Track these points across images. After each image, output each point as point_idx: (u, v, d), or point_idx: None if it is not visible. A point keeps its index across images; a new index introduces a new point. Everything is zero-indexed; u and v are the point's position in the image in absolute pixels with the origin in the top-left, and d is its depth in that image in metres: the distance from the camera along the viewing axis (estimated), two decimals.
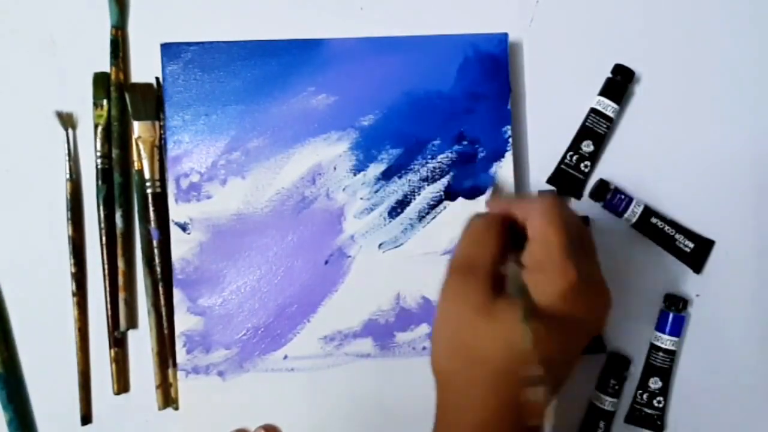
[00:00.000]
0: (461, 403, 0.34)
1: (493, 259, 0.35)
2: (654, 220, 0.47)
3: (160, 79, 0.46)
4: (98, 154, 0.46)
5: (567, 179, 0.48)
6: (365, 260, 0.46)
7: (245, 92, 0.46)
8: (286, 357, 0.45)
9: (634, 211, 0.47)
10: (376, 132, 0.46)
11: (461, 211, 0.46)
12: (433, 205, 0.46)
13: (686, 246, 0.48)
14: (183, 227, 0.45)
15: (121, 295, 0.46)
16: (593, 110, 0.48)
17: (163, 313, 0.45)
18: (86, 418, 0.45)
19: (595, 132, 0.48)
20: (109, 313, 0.46)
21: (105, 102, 0.46)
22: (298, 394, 0.45)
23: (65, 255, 0.46)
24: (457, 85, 0.47)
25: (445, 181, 0.47)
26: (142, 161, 0.46)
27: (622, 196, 0.47)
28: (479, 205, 0.46)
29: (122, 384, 0.46)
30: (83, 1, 0.47)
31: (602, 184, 0.48)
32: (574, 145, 0.48)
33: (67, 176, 0.46)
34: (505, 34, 0.47)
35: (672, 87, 0.50)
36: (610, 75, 0.49)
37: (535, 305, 0.33)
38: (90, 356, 0.46)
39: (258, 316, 0.45)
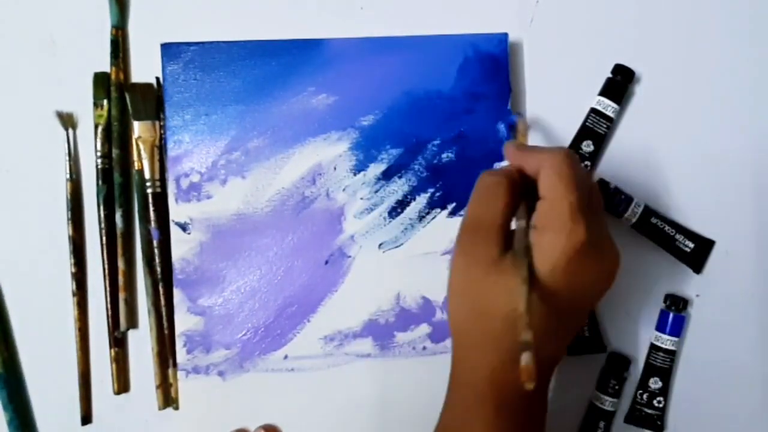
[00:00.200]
0: (470, 356, 0.35)
1: (502, 217, 0.35)
2: (654, 220, 0.47)
3: (160, 79, 0.46)
4: (98, 154, 0.46)
5: None
6: (365, 260, 0.46)
7: (245, 92, 0.46)
8: (286, 357, 0.45)
9: (634, 211, 0.47)
10: (377, 132, 0.46)
11: (461, 211, 0.46)
12: (434, 206, 0.46)
13: (686, 246, 0.48)
14: (183, 227, 0.45)
15: (122, 295, 0.46)
16: (593, 110, 0.48)
17: (164, 313, 0.45)
18: (86, 418, 0.45)
19: (595, 132, 0.48)
20: (109, 313, 0.46)
21: (105, 102, 0.46)
22: (298, 394, 0.45)
23: (65, 255, 0.46)
24: (457, 85, 0.47)
25: (445, 181, 0.47)
26: (143, 161, 0.46)
27: (622, 196, 0.47)
28: None
29: (122, 384, 0.46)
30: (83, 1, 0.47)
31: (602, 184, 0.48)
32: (574, 145, 0.48)
33: (67, 176, 0.46)
34: (505, 34, 0.47)
35: (672, 87, 0.50)
36: (610, 75, 0.48)
37: (533, 272, 0.33)
38: (90, 356, 0.46)
39: (258, 316, 0.45)
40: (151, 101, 0.46)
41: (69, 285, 0.46)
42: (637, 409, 0.48)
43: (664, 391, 0.47)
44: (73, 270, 0.46)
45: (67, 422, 0.45)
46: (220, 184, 0.46)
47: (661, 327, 0.47)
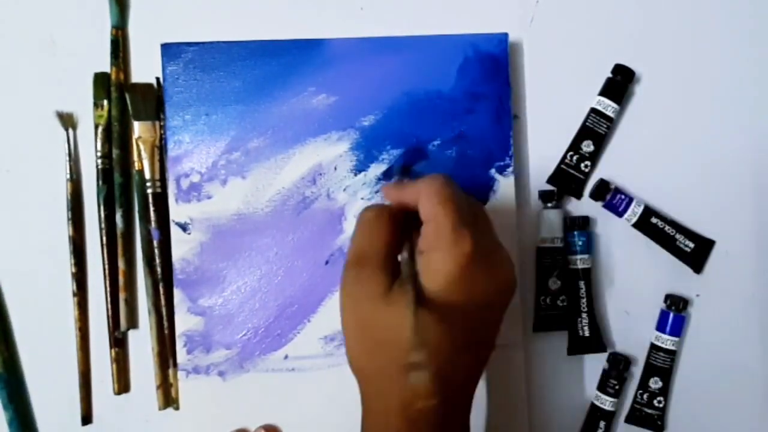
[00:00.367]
0: (372, 391, 0.35)
1: (386, 248, 0.35)
2: (654, 220, 0.47)
3: (161, 79, 0.46)
4: (98, 154, 0.46)
5: (567, 179, 0.48)
6: None
7: (245, 92, 0.46)
8: (286, 357, 0.45)
9: (634, 211, 0.47)
10: (377, 132, 0.46)
11: None
12: None
13: (686, 246, 0.48)
14: (183, 227, 0.45)
15: (122, 295, 0.46)
16: (593, 110, 0.48)
17: (164, 313, 0.45)
18: (86, 418, 0.45)
19: (595, 132, 0.48)
20: (110, 313, 0.46)
21: (105, 102, 0.46)
22: (298, 394, 0.45)
23: (65, 255, 0.46)
24: (457, 85, 0.47)
25: None
26: (143, 161, 0.46)
27: (622, 196, 0.47)
28: None
29: (122, 384, 0.46)
30: (83, 1, 0.47)
31: (602, 184, 0.48)
32: (575, 145, 0.48)
33: (68, 176, 0.46)
34: (505, 34, 0.47)
35: (672, 87, 0.50)
36: (610, 75, 0.49)
37: (422, 291, 0.33)
38: (90, 356, 0.46)
39: (258, 316, 0.45)
40: (151, 101, 0.46)
41: (69, 285, 0.46)
42: (637, 409, 0.48)
43: (664, 391, 0.47)
44: (74, 270, 0.46)
45: (68, 422, 0.45)
46: (221, 185, 0.46)
47: (661, 327, 0.47)
